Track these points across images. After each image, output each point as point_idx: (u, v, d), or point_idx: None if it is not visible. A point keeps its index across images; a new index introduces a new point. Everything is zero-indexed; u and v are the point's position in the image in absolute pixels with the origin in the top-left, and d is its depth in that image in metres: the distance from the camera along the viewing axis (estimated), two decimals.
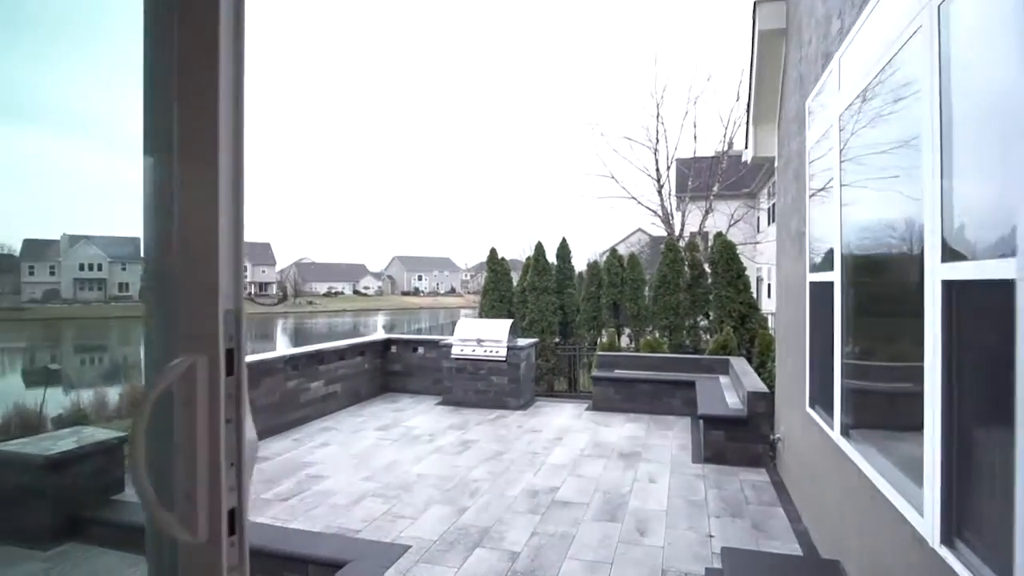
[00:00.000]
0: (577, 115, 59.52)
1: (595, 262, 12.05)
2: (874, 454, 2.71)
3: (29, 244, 66.95)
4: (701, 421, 6.03)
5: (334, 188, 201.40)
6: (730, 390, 6.95)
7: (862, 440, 2.94)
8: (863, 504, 2.82)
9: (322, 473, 5.33)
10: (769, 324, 10.39)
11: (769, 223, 19.43)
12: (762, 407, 5.64)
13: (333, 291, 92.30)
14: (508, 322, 8.45)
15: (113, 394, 12.10)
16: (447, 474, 5.34)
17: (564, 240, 11.94)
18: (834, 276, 3.31)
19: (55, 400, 11.87)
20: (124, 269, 69.67)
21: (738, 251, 10.45)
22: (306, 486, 5.00)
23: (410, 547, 3.86)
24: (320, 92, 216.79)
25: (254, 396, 6.37)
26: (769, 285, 18.94)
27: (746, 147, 6.36)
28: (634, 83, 37.53)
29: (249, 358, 6.60)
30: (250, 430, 0.64)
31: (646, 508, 4.56)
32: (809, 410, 4.05)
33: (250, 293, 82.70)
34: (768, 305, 15.99)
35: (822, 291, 3.64)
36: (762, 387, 5.84)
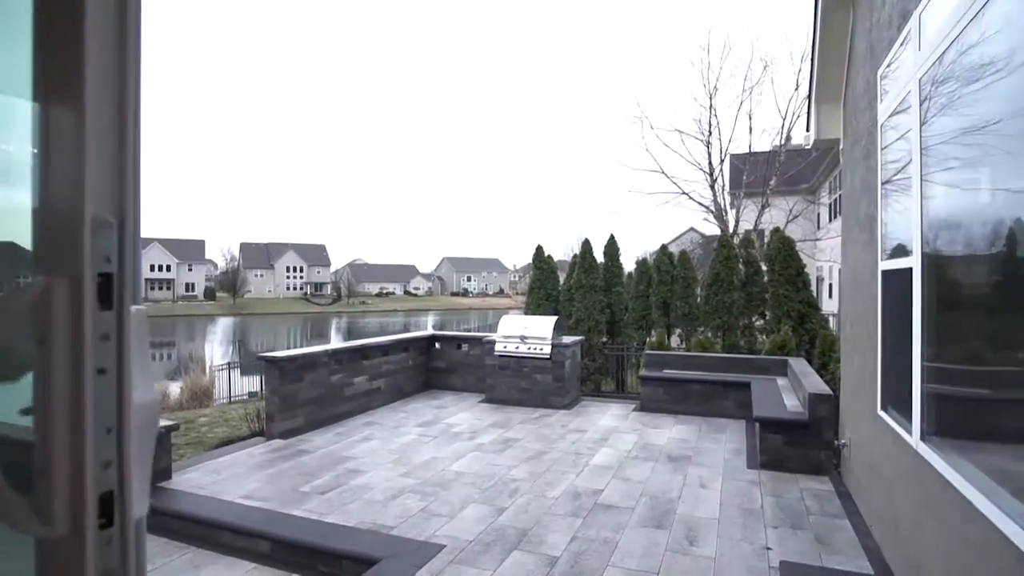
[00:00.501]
0: (627, 110, 58.41)
1: (644, 259, 11.61)
2: (964, 463, 2.35)
3: None
4: (757, 424, 5.64)
5: (387, 190, 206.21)
6: (788, 392, 6.50)
7: (948, 448, 2.57)
8: (948, 519, 2.47)
9: (361, 468, 5.28)
10: (831, 325, 9.73)
11: (831, 219, 18.39)
12: (825, 410, 5.21)
13: (385, 291, 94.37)
14: (552, 319, 8.22)
15: (175, 388, 12.53)
16: (486, 473, 5.18)
17: (612, 237, 11.55)
18: (912, 261, 2.94)
19: None
20: (191, 270, 75.73)
21: (797, 248, 9.84)
22: (344, 480, 4.95)
23: (444, 547, 3.71)
24: (375, 97, 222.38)
25: (298, 389, 6.41)
26: (830, 285, 17.92)
27: (808, 130, 5.91)
28: (685, 74, 36.41)
29: (293, 351, 6.67)
30: (144, 390, 0.48)
31: (696, 515, 4.26)
32: (881, 413, 3.66)
33: (306, 293, 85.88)
34: (829, 306, 15.12)
35: (897, 280, 3.26)
36: (825, 389, 5.40)
